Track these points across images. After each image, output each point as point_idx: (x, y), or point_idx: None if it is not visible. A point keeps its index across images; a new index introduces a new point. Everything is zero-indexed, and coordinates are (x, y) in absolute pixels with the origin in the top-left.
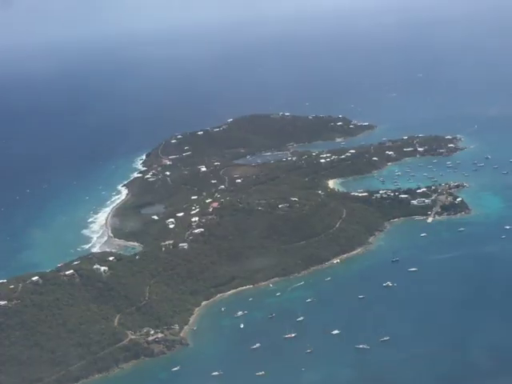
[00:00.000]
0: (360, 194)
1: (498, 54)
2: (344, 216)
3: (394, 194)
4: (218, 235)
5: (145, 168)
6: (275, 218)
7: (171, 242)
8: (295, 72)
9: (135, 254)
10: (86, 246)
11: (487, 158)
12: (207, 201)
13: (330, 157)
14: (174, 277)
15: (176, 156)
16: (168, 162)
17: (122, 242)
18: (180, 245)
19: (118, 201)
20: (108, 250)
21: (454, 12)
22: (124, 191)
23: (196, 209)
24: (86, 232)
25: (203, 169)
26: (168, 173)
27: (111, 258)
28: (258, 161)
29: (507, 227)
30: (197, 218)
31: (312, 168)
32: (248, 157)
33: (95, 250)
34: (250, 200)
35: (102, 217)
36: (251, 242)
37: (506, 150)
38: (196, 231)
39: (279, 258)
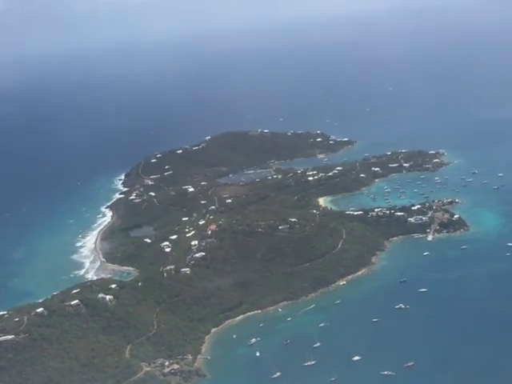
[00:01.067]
0: (355, 213)
1: (461, 65)
2: (344, 236)
3: (390, 212)
4: (220, 259)
5: (126, 188)
6: (277, 239)
7: (172, 266)
8: (265, 86)
9: (137, 281)
10: (80, 272)
11: (474, 172)
12: (200, 222)
13: (317, 174)
14: (180, 304)
15: (157, 176)
16: (150, 182)
17: (115, 267)
18: (182, 270)
19: (104, 223)
20: (103, 275)
21: (423, 24)
22: (108, 213)
23: (191, 231)
24: (76, 257)
25: (190, 189)
26: (153, 193)
27: (113, 286)
28: (242, 179)
29: (510, 244)
30: (196, 242)
31: (300, 186)
32: (231, 175)
33: (90, 276)
34: (247, 221)
35: (90, 241)
36: (255, 266)
37: (490, 164)
38: (197, 255)
39: (285, 281)
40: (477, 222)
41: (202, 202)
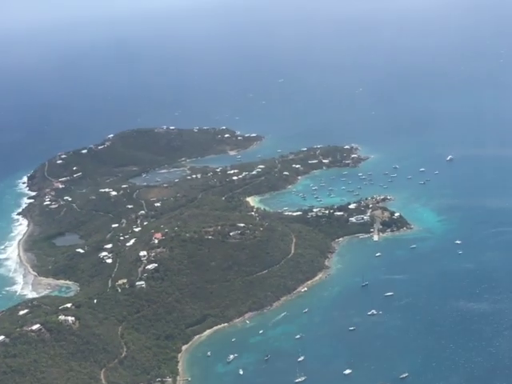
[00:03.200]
0: (294, 214)
1: (357, 54)
2: (294, 240)
3: (329, 212)
4: (174, 270)
5: (34, 192)
6: (230, 246)
7: (125, 280)
8: (148, 79)
9: (90, 298)
10: (13, 288)
11: (396, 167)
12: (136, 229)
13: (240, 173)
14: (142, 320)
15: (67, 178)
16: (60, 185)
17: (51, 281)
18: (137, 284)
19: (22, 232)
20: (41, 291)
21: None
22: (23, 220)
23: (129, 240)
24: (3, 271)
25: (113, 192)
26: (69, 197)
27: (69, 305)
28: (157, 179)
29: (458, 242)
30: (145, 252)
31: (226, 186)
32: (143, 175)
33: (26, 292)
34: (193, 228)
35: (13, 252)
36: (211, 275)
37: (407, 158)
38: (149, 267)
39: (246, 290)
40: (417, 220)
41: (129, 206)
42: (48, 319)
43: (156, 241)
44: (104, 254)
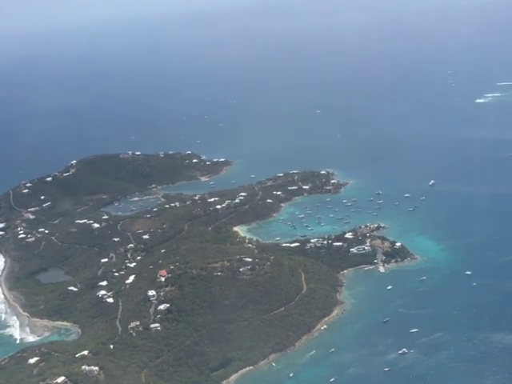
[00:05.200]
0: (292, 245)
1: (305, 75)
2: (303, 274)
3: (328, 243)
4: (187, 310)
5: (2, 224)
6: (242, 283)
7: (137, 323)
8: (91, 99)
9: (104, 343)
10: (7, 331)
11: (379, 193)
12: (131, 264)
13: (223, 201)
14: (164, 367)
15: (36, 208)
16: (30, 216)
17: (46, 323)
18: (151, 326)
19: (0, 268)
20: (40, 334)
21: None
22: None
23: (127, 277)
24: None
25: (96, 225)
26: (45, 230)
27: (85, 353)
28: (132, 208)
29: (468, 272)
30: (154, 292)
31: (211, 216)
32: (116, 203)
33: (26, 336)
34: (199, 264)
35: None
36: (227, 315)
37: (389, 183)
38: (161, 307)
39: (266, 330)
40: (418, 249)
41: (115, 239)
42: (71, 370)
43: (162, 279)
44: (102, 292)
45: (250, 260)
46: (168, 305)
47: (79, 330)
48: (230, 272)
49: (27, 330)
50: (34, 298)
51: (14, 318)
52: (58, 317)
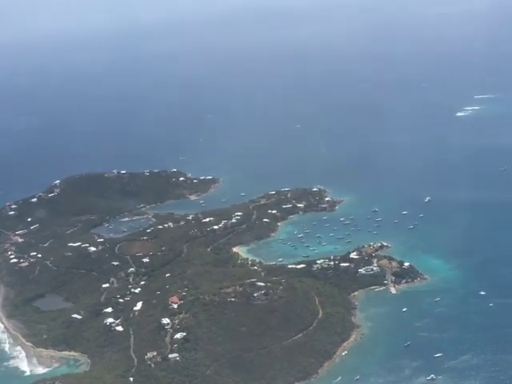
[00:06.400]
0: (298, 266)
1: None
2: (317, 298)
3: (335, 264)
4: (204, 338)
5: None
6: (257, 309)
7: (154, 353)
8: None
9: (123, 376)
10: (11, 363)
11: (375, 211)
12: (136, 290)
13: (219, 221)
14: None
15: (24, 231)
16: (19, 239)
17: (52, 353)
18: (170, 356)
19: None
20: (48, 365)
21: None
22: None
23: (134, 303)
24: None
25: (92, 248)
26: (37, 254)
27: None
28: (123, 229)
29: (482, 293)
30: (168, 320)
31: (209, 237)
32: (106, 225)
33: (34, 368)
34: (211, 290)
35: None
36: (246, 343)
37: (384, 200)
38: (178, 336)
39: (287, 357)
40: (426, 269)
41: (114, 263)
42: None
43: (175, 306)
44: (110, 320)
45: (262, 284)
46: (184, 333)
47: (89, 361)
48: (244, 297)
49: (34, 361)
50: (36, 327)
51: (18, 348)
52: (64, 346)
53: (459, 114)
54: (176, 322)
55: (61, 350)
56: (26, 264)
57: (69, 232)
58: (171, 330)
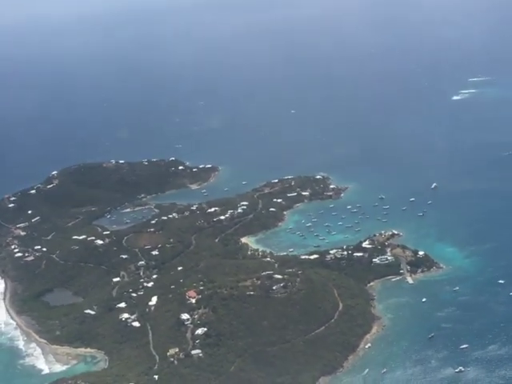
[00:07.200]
0: (311, 257)
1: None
2: (335, 290)
3: (348, 253)
4: (226, 333)
5: None
6: (278, 303)
7: (177, 349)
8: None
9: (147, 373)
10: (27, 361)
11: (382, 198)
12: (148, 284)
13: (225, 212)
14: None
15: (25, 224)
16: (21, 232)
17: (68, 350)
18: (193, 352)
19: (1, 291)
20: (65, 363)
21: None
22: None
23: (150, 298)
24: (4, 340)
25: (99, 241)
26: (42, 247)
27: None
28: (127, 220)
29: (501, 281)
30: (187, 315)
31: (216, 227)
32: (108, 216)
33: (51, 366)
34: (227, 284)
35: (2, 315)
36: (268, 337)
37: (389, 187)
38: (199, 332)
39: (311, 351)
40: (441, 258)
41: (123, 256)
42: None
43: (193, 300)
44: (125, 315)
45: (280, 277)
46: (206, 329)
47: (106, 357)
48: (263, 291)
49: (51, 358)
50: (48, 323)
51: (33, 345)
52: (79, 343)
53: (455, 97)
54: (196, 317)
55: (76, 347)
56: (32, 258)
57: (70, 224)
58: (191, 326)
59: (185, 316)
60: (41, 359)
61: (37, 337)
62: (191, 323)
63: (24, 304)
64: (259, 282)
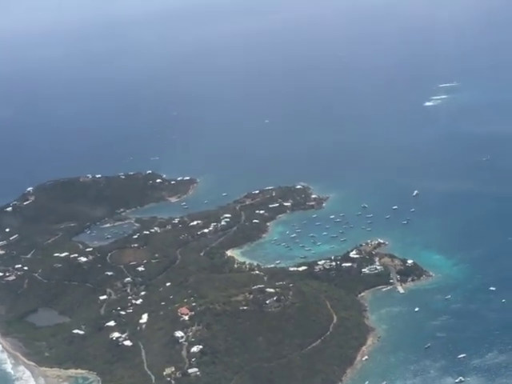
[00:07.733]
0: (300, 269)
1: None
2: (328, 302)
3: (337, 264)
4: (221, 350)
5: None
6: (272, 317)
7: (173, 369)
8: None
9: None
10: None
11: (364, 207)
12: (137, 301)
13: (208, 224)
14: None
15: (4, 242)
16: (0, 251)
17: (59, 372)
18: (190, 371)
19: None
20: None
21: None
22: None
23: (139, 315)
24: None
25: (82, 258)
26: (23, 266)
27: None
28: (108, 235)
29: (492, 288)
30: (181, 333)
31: (200, 241)
32: (88, 231)
33: None
34: (220, 299)
35: None
36: (264, 352)
37: (371, 196)
38: (194, 350)
39: (308, 366)
40: (429, 266)
41: (108, 273)
42: None
43: (186, 317)
44: (116, 334)
45: (272, 291)
46: (201, 346)
47: (99, 378)
48: (256, 305)
49: (41, 381)
50: (35, 344)
51: (21, 368)
52: (69, 364)
53: (427, 103)
54: (190, 334)
55: (67, 368)
56: (13, 277)
57: (50, 241)
58: (186, 344)
59: (179, 333)
60: (31, 382)
61: (25, 359)
62: (185, 341)
63: (9, 326)
64: (251, 296)
